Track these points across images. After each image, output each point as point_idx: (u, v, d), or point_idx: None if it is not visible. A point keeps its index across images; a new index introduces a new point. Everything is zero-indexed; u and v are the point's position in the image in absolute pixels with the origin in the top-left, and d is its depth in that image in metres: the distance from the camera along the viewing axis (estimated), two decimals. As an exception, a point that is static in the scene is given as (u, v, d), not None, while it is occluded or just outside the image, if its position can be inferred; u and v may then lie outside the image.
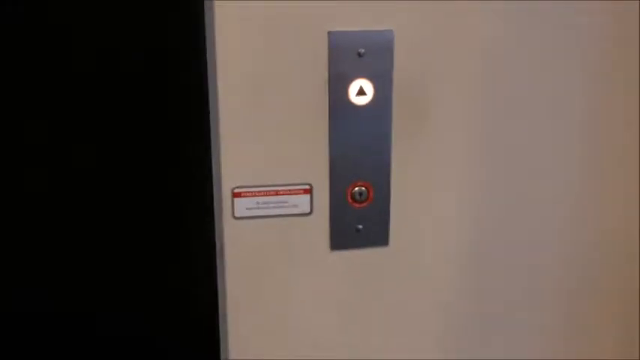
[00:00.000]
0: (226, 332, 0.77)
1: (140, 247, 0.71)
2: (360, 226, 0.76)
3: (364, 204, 0.75)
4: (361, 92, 0.72)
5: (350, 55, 0.70)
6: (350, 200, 0.75)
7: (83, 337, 0.73)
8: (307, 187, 0.74)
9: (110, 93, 0.67)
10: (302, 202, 0.74)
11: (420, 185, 0.77)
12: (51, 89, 0.65)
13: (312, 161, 0.73)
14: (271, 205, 0.74)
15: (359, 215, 0.76)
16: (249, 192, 0.73)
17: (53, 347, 0.73)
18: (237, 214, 0.73)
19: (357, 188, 0.75)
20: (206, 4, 0.66)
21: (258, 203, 0.73)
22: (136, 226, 0.71)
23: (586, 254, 0.84)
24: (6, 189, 0.67)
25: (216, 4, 0.67)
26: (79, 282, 0.71)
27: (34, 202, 0.68)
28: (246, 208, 0.73)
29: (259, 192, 0.73)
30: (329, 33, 0.69)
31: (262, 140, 0.72)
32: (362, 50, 0.70)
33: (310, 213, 0.75)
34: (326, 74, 0.70)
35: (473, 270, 0.82)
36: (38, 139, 0.67)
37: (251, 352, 0.78)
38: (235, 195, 0.73)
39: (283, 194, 0.74)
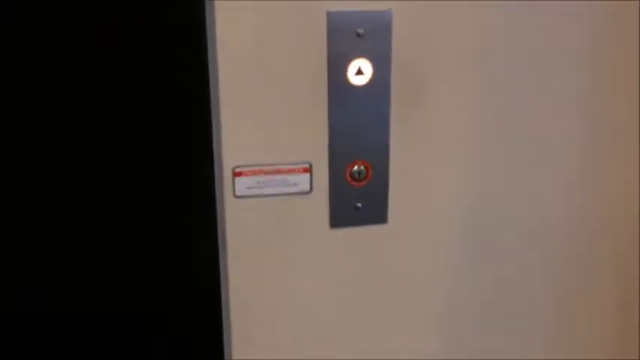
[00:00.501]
0: (228, 309, 0.78)
1: (143, 228, 0.72)
2: (359, 204, 0.77)
3: (363, 182, 0.76)
4: (360, 72, 0.72)
5: (349, 35, 0.70)
6: (349, 179, 0.76)
7: (84, 329, 0.74)
8: (307, 166, 0.75)
9: (113, 76, 0.67)
10: (302, 180, 0.75)
11: (418, 164, 0.77)
12: (53, 87, 0.66)
13: (311, 140, 0.74)
14: (271, 184, 0.74)
15: (358, 193, 0.76)
16: (249, 171, 0.74)
17: (51, 343, 0.74)
18: (238, 193, 0.74)
19: (356, 167, 0.76)
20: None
21: (258, 182, 0.74)
22: (138, 208, 0.71)
23: (585, 232, 0.85)
24: (5, 188, 0.68)
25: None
26: (82, 266, 0.72)
27: (31, 196, 0.69)
28: (247, 187, 0.74)
29: (260, 171, 0.74)
30: (328, 13, 0.69)
31: (262, 120, 0.72)
32: (361, 30, 0.70)
33: (310, 191, 0.76)
34: (325, 54, 0.71)
35: (470, 247, 0.82)
36: (39, 136, 0.67)
37: (253, 328, 0.79)
38: (236, 174, 0.73)
39: (283, 173, 0.74)
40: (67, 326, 0.73)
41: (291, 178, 0.75)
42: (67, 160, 0.68)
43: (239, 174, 0.73)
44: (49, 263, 0.71)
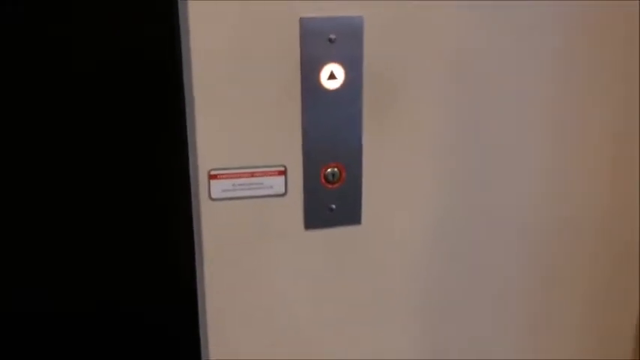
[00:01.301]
0: (204, 310, 0.78)
1: (118, 231, 0.72)
2: (333, 206, 0.78)
3: (337, 184, 0.77)
4: (332, 77, 0.73)
5: (321, 40, 0.71)
6: (323, 181, 0.77)
7: (60, 330, 0.74)
8: (282, 168, 0.76)
9: (85, 80, 0.66)
10: (277, 183, 0.76)
11: (391, 166, 0.78)
12: (26, 88, 0.65)
13: (286, 144, 0.75)
14: (247, 186, 0.75)
15: (332, 195, 0.78)
16: (225, 174, 0.74)
17: (27, 342, 0.73)
18: (213, 196, 0.75)
19: (329, 169, 0.77)
20: (180, -9, 0.67)
21: (234, 185, 0.75)
22: (114, 211, 0.71)
23: (558, 231, 0.87)
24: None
25: (190, -10, 0.68)
26: (59, 272, 0.72)
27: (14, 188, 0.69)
28: (222, 190, 0.75)
29: (235, 174, 0.75)
30: (301, 19, 0.70)
31: (237, 124, 0.73)
32: (333, 36, 0.71)
33: (285, 194, 0.77)
34: (298, 59, 0.72)
35: (443, 247, 0.84)
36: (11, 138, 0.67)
37: (228, 329, 0.80)
38: (212, 177, 0.74)
39: (258, 176, 0.75)
40: (43, 326, 0.73)
41: (266, 180, 0.76)
42: (40, 163, 0.68)
43: (215, 177, 0.74)
44: (26, 264, 0.71)
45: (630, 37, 0.81)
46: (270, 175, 0.75)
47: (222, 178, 0.74)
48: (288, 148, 0.75)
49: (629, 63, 0.82)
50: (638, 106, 0.84)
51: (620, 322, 0.94)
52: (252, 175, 0.75)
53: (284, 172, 0.76)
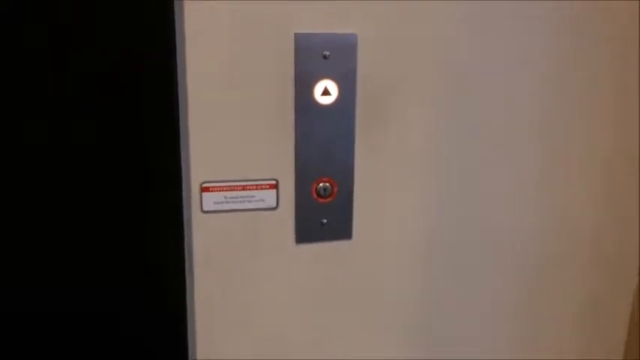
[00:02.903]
0: (194, 322, 0.78)
1: (110, 242, 0.72)
2: (325, 220, 0.78)
3: (328, 199, 0.78)
4: (326, 92, 0.74)
5: (315, 56, 0.72)
6: (315, 195, 0.77)
7: (48, 332, 0.74)
8: (274, 182, 0.76)
9: (79, 95, 0.67)
10: (268, 196, 0.76)
11: (382, 181, 0.79)
12: (16, 89, 0.66)
13: (278, 158, 0.75)
14: (239, 199, 0.75)
15: (323, 210, 0.78)
16: (217, 187, 0.75)
17: (20, 335, 0.73)
18: (205, 208, 0.75)
19: (321, 184, 0.77)
20: (176, 5, 0.68)
21: (225, 198, 0.75)
22: (105, 222, 0.71)
23: (545, 246, 0.87)
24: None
25: (186, 5, 0.68)
26: (46, 278, 0.72)
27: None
28: (214, 203, 0.75)
29: (227, 187, 0.75)
30: (296, 35, 0.71)
31: (230, 137, 0.73)
32: (327, 52, 0.72)
33: (276, 207, 0.77)
34: (292, 75, 0.72)
35: (433, 263, 0.84)
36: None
37: (218, 342, 0.80)
38: (204, 190, 0.75)
39: (250, 189, 0.76)
40: (30, 331, 0.73)
41: (258, 194, 0.76)
42: (32, 172, 0.68)
43: (207, 189, 0.75)
44: (16, 267, 0.71)
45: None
46: (262, 189, 0.76)
47: (215, 191, 0.75)
48: (281, 162, 0.75)
49: (629, 71, 0.83)
50: (637, 112, 0.85)
51: (611, 332, 0.95)
52: (244, 188, 0.75)
53: (276, 186, 0.76)
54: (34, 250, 0.71)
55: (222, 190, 0.75)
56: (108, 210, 0.71)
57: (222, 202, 0.75)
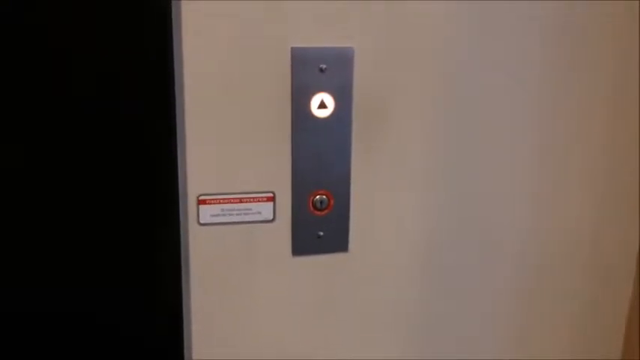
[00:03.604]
0: (190, 335, 0.78)
1: (107, 254, 0.72)
2: (321, 233, 0.79)
3: (325, 212, 0.78)
4: (322, 105, 0.74)
5: (312, 70, 0.73)
6: (311, 208, 0.78)
7: (46, 339, 0.74)
8: (270, 194, 0.76)
9: (76, 106, 0.67)
10: (265, 209, 0.77)
11: (378, 194, 0.79)
12: (13, 93, 0.66)
13: (275, 170, 0.75)
14: (235, 212, 0.76)
15: (320, 222, 0.78)
16: (213, 199, 0.75)
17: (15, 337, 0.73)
18: (202, 221, 0.75)
19: (318, 197, 0.77)
20: (174, 18, 0.68)
21: (222, 210, 0.75)
22: (102, 234, 0.71)
23: (543, 254, 0.88)
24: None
25: (184, 18, 0.69)
26: (45, 282, 0.72)
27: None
28: (211, 215, 0.75)
29: (224, 199, 0.75)
30: (292, 49, 0.72)
31: (227, 150, 0.74)
32: (323, 66, 0.73)
33: (273, 220, 0.77)
34: (289, 88, 0.73)
35: (430, 275, 0.84)
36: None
37: (215, 354, 0.80)
38: (200, 202, 0.75)
39: (247, 202, 0.76)
40: (27, 337, 0.73)
41: (254, 206, 0.76)
42: (29, 182, 0.69)
43: (204, 202, 0.75)
44: (13, 270, 0.71)
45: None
46: (259, 201, 0.76)
47: (211, 203, 0.75)
48: (278, 175, 0.76)
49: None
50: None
51: (611, 332, 0.95)
52: (241, 200, 0.75)
53: (273, 199, 0.76)
54: (38, 251, 0.71)
55: (219, 203, 0.75)
56: (103, 222, 0.71)
57: (219, 215, 0.75)
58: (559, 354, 0.93)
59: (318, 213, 0.78)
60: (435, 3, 0.74)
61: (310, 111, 0.74)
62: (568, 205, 0.87)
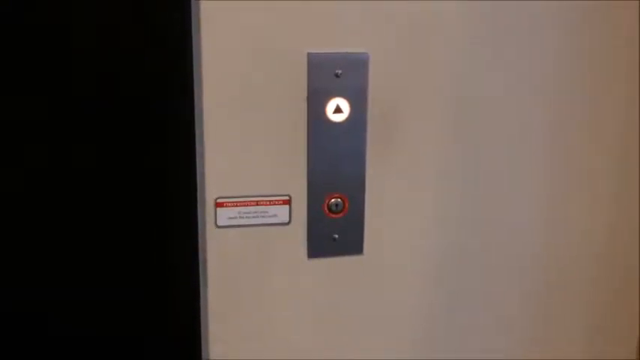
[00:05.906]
0: (207, 337, 0.79)
1: (125, 257, 0.73)
2: (336, 236, 0.79)
3: (340, 215, 0.79)
4: (338, 110, 0.75)
5: (328, 75, 0.73)
6: (327, 211, 0.78)
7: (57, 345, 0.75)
8: (286, 197, 0.77)
9: (98, 102, 0.68)
10: (281, 212, 0.77)
11: (393, 197, 0.80)
12: (30, 90, 0.66)
13: (291, 174, 0.76)
14: (252, 214, 0.76)
15: (335, 225, 0.79)
16: (231, 202, 0.76)
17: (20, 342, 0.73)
18: (219, 224, 0.76)
19: (333, 200, 0.78)
20: (193, 24, 0.69)
21: (239, 213, 0.76)
22: (120, 236, 0.72)
23: (561, 256, 0.87)
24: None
25: (203, 25, 0.70)
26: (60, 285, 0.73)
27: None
28: (228, 218, 0.76)
29: (241, 202, 0.76)
30: (308, 54, 0.73)
31: (245, 153, 0.74)
32: (339, 71, 0.74)
33: (289, 222, 0.78)
34: (305, 93, 0.74)
35: (444, 278, 0.84)
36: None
37: (230, 356, 0.80)
38: (218, 205, 0.76)
39: (263, 205, 0.77)
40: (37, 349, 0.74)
41: (271, 209, 0.77)
42: (43, 182, 0.69)
43: (221, 205, 0.76)
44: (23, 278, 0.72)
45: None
46: (275, 204, 0.77)
47: (229, 206, 0.76)
48: (294, 178, 0.76)
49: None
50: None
51: (619, 348, 0.94)
52: (258, 203, 0.76)
53: (289, 202, 0.77)
54: (59, 253, 0.72)
55: (237, 206, 0.76)
56: (122, 225, 0.72)
57: (236, 218, 0.76)
58: (573, 355, 0.93)
59: (334, 216, 0.78)
60: (449, 7, 0.75)
61: (326, 115, 0.75)
62: (582, 207, 0.87)
